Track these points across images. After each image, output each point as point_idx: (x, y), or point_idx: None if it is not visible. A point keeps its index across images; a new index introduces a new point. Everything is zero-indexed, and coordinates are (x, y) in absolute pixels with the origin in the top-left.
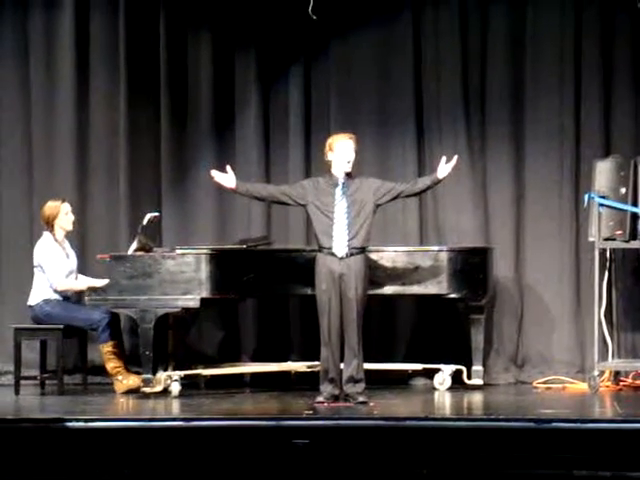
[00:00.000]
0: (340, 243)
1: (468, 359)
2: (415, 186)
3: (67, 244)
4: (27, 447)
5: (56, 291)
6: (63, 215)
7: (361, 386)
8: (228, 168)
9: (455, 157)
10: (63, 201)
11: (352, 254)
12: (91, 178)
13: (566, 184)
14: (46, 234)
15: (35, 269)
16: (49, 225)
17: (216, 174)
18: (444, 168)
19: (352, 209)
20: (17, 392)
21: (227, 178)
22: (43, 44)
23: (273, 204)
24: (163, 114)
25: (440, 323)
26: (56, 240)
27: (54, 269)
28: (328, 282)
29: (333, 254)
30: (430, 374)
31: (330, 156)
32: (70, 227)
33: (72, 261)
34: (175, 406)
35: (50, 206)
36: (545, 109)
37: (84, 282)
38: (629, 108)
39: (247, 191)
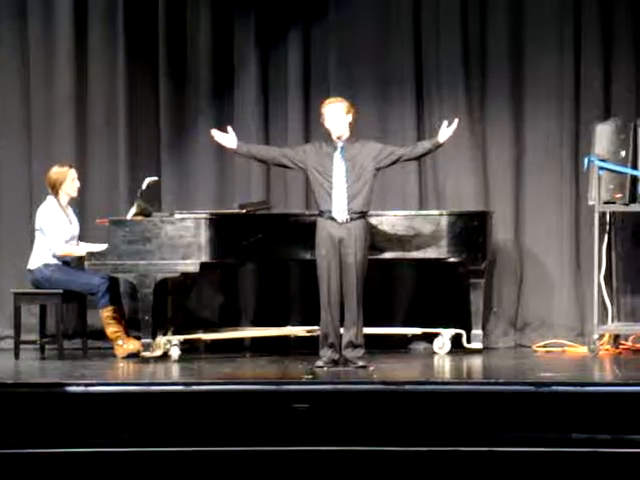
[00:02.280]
0: (339, 207)
1: (468, 323)
2: (415, 150)
3: (70, 210)
4: (27, 412)
5: (55, 256)
6: (70, 181)
7: (360, 351)
8: (229, 128)
9: (456, 120)
10: (70, 167)
11: (352, 219)
12: (90, 142)
13: (566, 147)
14: (50, 198)
15: (36, 232)
16: (54, 190)
17: (216, 134)
18: (445, 132)
19: (351, 173)
20: (17, 356)
21: (228, 138)
22: (41, 8)
23: (274, 167)
24: (162, 78)
25: (440, 287)
26: (60, 205)
27: (55, 233)
28: (328, 247)
29: (333, 219)
30: (430, 338)
31: (325, 124)
32: (75, 194)
33: (74, 227)
34: (175, 370)
35: (57, 171)
36: (545, 72)
37: (84, 248)
38: (629, 70)
39: (248, 152)
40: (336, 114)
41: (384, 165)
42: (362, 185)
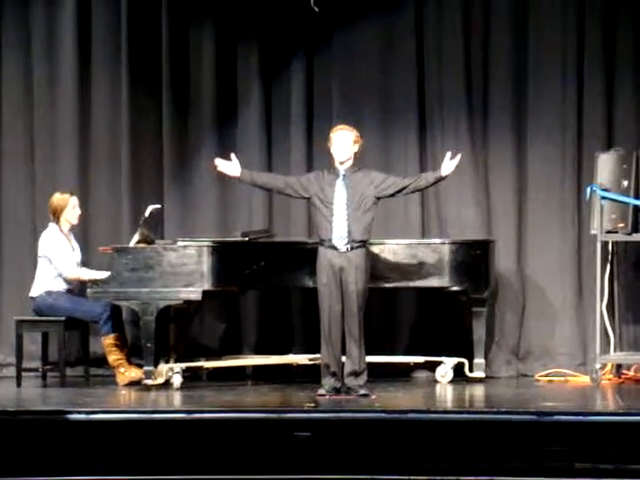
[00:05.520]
0: (340, 236)
1: (470, 352)
2: (418, 183)
3: (72, 237)
4: (29, 439)
5: (66, 280)
6: (71, 208)
7: (363, 379)
8: (233, 156)
9: (459, 155)
10: (72, 194)
11: (352, 248)
12: (93, 170)
13: (568, 177)
14: (52, 225)
15: (39, 259)
16: (55, 216)
17: (220, 163)
18: (448, 165)
19: (352, 202)
20: (19, 384)
21: (232, 166)
22: (45, 33)
23: (279, 195)
24: (165, 105)
25: (442, 316)
26: (62, 232)
27: (63, 258)
28: (329, 276)
29: (334, 247)
30: (432, 367)
31: (331, 149)
32: (76, 221)
33: (76, 254)
34: (177, 398)
35: (58, 198)
36: (547, 101)
37: (87, 274)
38: (632, 100)
39: (252, 180)
40: (344, 141)
41: (385, 195)
42: (362, 214)
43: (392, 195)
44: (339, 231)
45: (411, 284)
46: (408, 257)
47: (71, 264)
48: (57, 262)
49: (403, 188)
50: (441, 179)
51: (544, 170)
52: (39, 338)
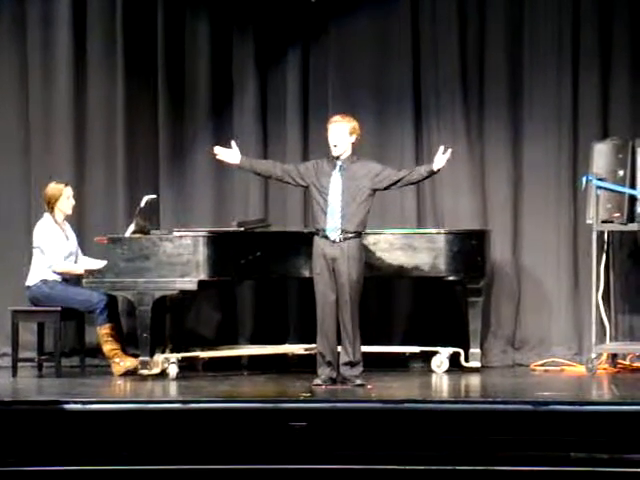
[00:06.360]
0: (333, 226)
1: (466, 342)
2: (411, 176)
3: (67, 226)
4: (24, 429)
5: (55, 272)
6: (65, 199)
7: (358, 369)
8: (233, 143)
9: (449, 150)
10: (66, 185)
11: (346, 238)
12: (89, 160)
13: (564, 166)
14: (46, 215)
15: (34, 250)
16: (50, 206)
17: (220, 150)
18: (440, 159)
19: (347, 192)
20: (14, 374)
21: (231, 154)
22: (40, 23)
23: (277, 182)
24: (161, 96)
25: (438, 306)
26: (56, 222)
27: (53, 250)
28: (322, 266)
29: (327, 237)
30: (428, 357)
31: (328, 140)
32: (69, 211)
33: (72, 243)
34: (172, 388)
35: (53, 187)
36: (543, 91)
37: (83, 264)
38: (627, 90)
39: (251, 167)
40: (338, 133)
41: (380, 187)
42: (357, 205)
43: (386, 188)
44: (333, 221)
45: (407, 274)
46: (404, 247)
47: (60, 257)
48: (47, 254)
49: (397, 181)
50: (433, 173)
51: (540, 160)
52: (35, 328)
